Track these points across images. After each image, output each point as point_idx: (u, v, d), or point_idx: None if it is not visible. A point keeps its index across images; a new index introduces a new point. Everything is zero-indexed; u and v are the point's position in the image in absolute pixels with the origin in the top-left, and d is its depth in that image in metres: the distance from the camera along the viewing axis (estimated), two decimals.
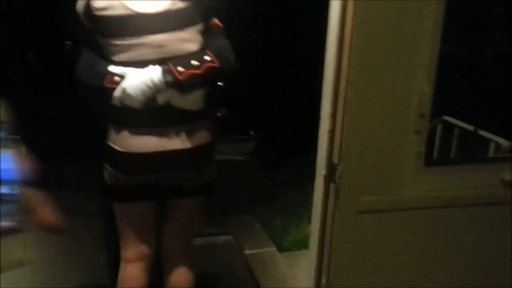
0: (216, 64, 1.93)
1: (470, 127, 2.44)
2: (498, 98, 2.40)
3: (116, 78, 1.88)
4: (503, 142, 2.34)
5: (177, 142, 1.97)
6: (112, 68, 1.89)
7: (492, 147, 2.36)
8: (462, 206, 1.81)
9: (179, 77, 1.87)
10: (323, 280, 1.83)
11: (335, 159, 1.73)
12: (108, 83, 1.88)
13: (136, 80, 1.87)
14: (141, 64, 1.89)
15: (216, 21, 2.06)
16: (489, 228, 1.84)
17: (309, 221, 3.47)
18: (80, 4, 1.91)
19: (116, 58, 1.91)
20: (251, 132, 6.83)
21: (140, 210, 2.10)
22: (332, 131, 1.73)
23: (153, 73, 1.87)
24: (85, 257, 3.25)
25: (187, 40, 1.95)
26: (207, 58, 1.93)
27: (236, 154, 6.34)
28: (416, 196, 1.78)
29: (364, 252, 1.81)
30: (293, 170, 4.91)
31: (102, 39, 1.91)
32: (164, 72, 1.87)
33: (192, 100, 1.96)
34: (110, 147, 2.00)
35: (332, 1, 1.69)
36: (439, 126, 2.63)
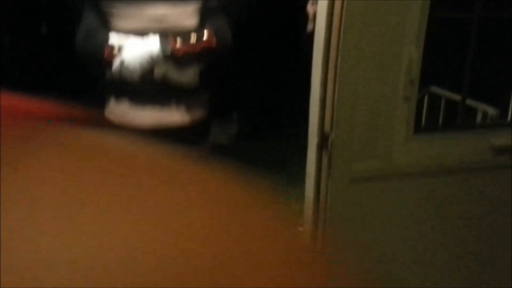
0: (212, 42, 1.96)
1: (457, 97, 2.46)
2: (485, 65, 2.42)
3: (116, 50, 1.89)
4: (490, 110, 2.36)
5: (175, 118, 2.00)
6: (111, 40, 1.89)
7: (479, 116, 2.39)
8: (452, 173, 1.83)
9: (176, 51, 1.89)
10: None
11: (327, 127, 1.73)
12: (108, 55, 1.90)
13: (134, 52, 1.89)
14: (140, 35, 1.91)
15: (215, 1, 2.07)
16: (479, 193, 1.86)
17: (296, 199, 3.50)
18: None
19: (117, 26, 1.92)
20: (233, 114, 6.82)
21: None
22: (323, 99, 1.73)
23: (152, 46, 1.89)
24: None
25: (186, 15, 1.97)
26: (204, 35, 1.96)
27: (218, 137, 6.35)
28: (407, 163, 1.80)
29: (358, 221, 1.83)
30: (276, 149, 4.96)
31: (105, 5, 1.91)
32: (162, 45, 1.89)
33: (188, 76, 1.99)
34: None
35: None
36: (426, 97, 2.65)
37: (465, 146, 1.86)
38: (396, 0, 1.66)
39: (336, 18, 1.64)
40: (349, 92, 1.70)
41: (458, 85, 2.14)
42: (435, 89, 2.64)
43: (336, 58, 1.67)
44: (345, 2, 1.61)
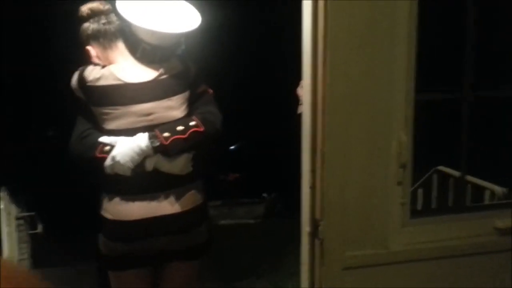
0: (200, 128, 1.99)
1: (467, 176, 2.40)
2: (489, 144, 2.38)
3: (107, 148, 1.95)
4: (497, 189, 2.29)
5: (167, 207, 2.01)
6: (102, 139, 1.96)
7: (487, 194, 2.31)
8: (453, 257, 1.76)
9: (165, 142, 1.93)
10: None
11: (317, 215, 1.71)
12: (99, 153, 1.95)
13: (124, 147, 1.93)
14: (130, 132, 1.97)
15: (204, 87, 2.13)
16: (482, 277, 1.77)
17: None
18: (74, 79, 2.02)
19: (107, 126, 1.99)
20: (264, 194, 6.83)
21: (135, 277, 2.10)
22: (313, 187, 1.72)
23: (140, 140, 1.94)
24: None
25: (173, 107, 2.02)
26: (192, 123, 2.00)
27: (247, 217, 6.33)
28: (404, 249, 1.74)
29: None
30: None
31: (95, 108, 2.00)
32: (151, 137, 1.93)
33: (179, 164, 2.00)
34: (103, 216, 2.04)
35: (304, 71, 1.72)
36: (435, 176, 2.60)
37: (465, 229, 1.79)
38: (380, 84, 1.67)
39: (319, 105, 1.67)
40: (338, 179, 1.68)
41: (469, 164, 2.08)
42: (443, 168, 2.58)
43: (323, 144, 1.67)
44: (328, 88, 1.64)
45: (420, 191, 2.91)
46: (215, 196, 5.79)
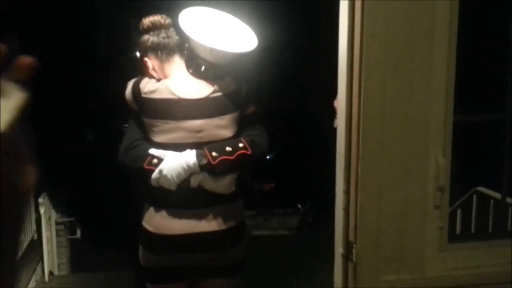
0: (248, 151, 2.00)
1: (508, 199, 2.32)
2: None
3: (155, 160, 1.97)
4: None
5: (209, 224, 2.02)
6: (151, 151, 1.99)
7: None
8: (492, 285, 1.70)
9: (212, 162, 1.94)
10: None
11: (351, 237, 1.68)
12: (147, 164, 1.97)
13: (172, 162, 1.95)
14: (179, 147, 1.98)
15: (253, 108, 2.13)
16: None
17: None
18: (128, 90, 2.06)
19: (156, 138, 2.01)
20: (298, 205, 6.79)
21: None
22: (346, 209, 1.70)
23: (188, 157, 1.96)
24: None
25: (223, 126, 2.03)
26: (240, 145, 2.00)
27: (281, 228, 6.30)
28: (441, 275, 1.69)
29: None
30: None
31: (146, 119, 2.02)
32: (199, 155, 1.95)
33: (224, 184, 2.01)
34: (144, 228, 2.06)
35: (339, 90, 1.71)
36: (474, 197, 2.52)
37: (506, 255, 1.72)
38: (417, 104, 1.63)
39: (354, 126, 1.65)
40: (373, 201, 1.65)
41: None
42: (483, 189, 2.50)
43: (357, 165, 1.65)
44: (363, 107, 1.61)
45: (459, 211, 2.83)
46: (250, 206, 5.80)
